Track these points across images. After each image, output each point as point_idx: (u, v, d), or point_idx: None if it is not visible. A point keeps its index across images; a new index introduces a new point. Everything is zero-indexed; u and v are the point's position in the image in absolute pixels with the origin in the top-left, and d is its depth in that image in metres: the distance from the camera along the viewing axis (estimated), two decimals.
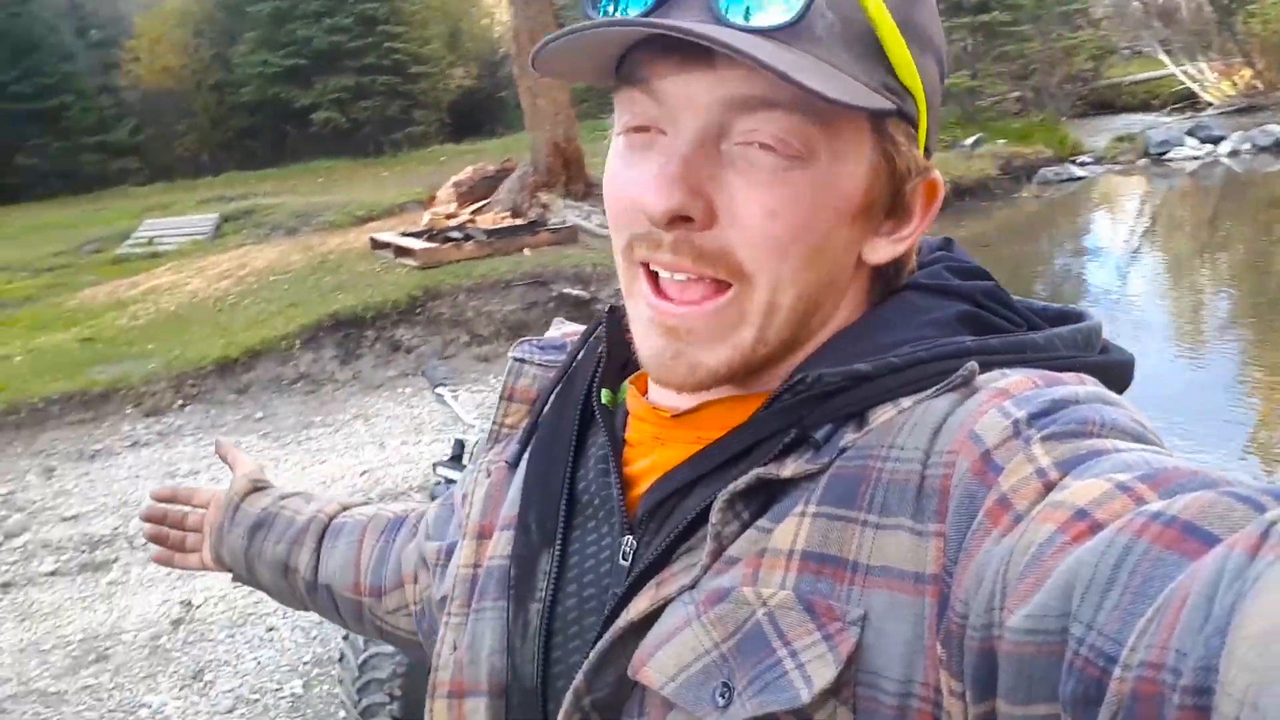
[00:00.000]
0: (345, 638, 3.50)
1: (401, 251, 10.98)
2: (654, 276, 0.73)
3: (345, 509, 1.25)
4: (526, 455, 0.89)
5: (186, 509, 1.34)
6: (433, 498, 3.94)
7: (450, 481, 3.88)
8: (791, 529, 0.66)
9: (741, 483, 0.68)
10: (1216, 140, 18.64)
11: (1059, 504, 0.54)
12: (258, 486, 1.29)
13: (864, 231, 0.74)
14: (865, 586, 0.63)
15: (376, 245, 11.63)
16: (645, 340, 0.75)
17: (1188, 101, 24.50)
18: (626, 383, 0.86)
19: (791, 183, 0.68)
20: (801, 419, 0.69)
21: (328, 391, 8.87)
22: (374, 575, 1.15)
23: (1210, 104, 23.59)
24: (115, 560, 5.87)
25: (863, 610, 0.62)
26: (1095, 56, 28.26)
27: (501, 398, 0.95)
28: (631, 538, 0.76)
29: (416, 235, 11.43)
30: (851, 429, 0.68)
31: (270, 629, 4.94)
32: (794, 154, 0.68)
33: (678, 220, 0.69)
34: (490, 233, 11.04)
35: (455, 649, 0.85)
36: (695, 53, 0.66)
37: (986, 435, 0.61)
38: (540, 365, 0.94)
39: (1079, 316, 0.78)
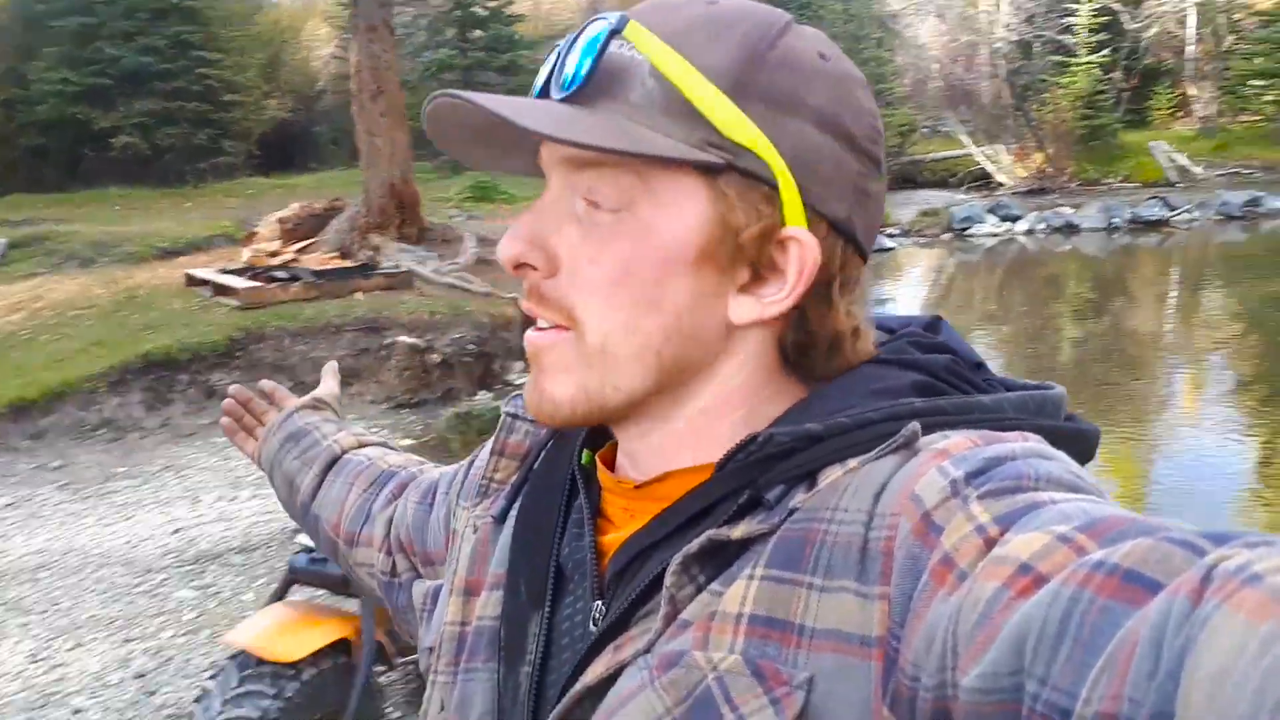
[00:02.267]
0: (213, 677, 3.32)
1: (221, 290, 10.36)
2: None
3: (361, 445, 1.34)
4: (514, 513, 0.90)
5: (266, 406, 1.45)
6: (291, 568, 3.69)
7: (311, 549, 3.62)
8: (740, 592, 0.67)
9: (695, 545, 0.69)
10: (1014, 219, 19.89)
11: (1002, 559, 0.54)
12: (317, 406, 1.41)
13: (716, 286, 0.75)
14: (811, 650, 0.64)
15: (193, 282, 10.92)
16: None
17: (983, 181, 26.11)
18: (594, 455, 0.88)
19: (615, 231, 0.73)
20: (754, 480, 0.71)
21: (134, 440, 8.23)
22: (350, 523, 1.23)
23: (1003, 184, 25.17)
24: None
25: (809, 673, 0.63)
26: (900, 133, 29.82)
27: (492, 453, 0.96)
28: (600, 603, 0.79)
29: (237, 273, 10.81)
30: (803, 490, 0.70)
31: (76, 711, 4.41)
32: (614, 206, 0.73)
33: (522, 268, 0.76)
34: (319, 274, 10.55)
35: (443, 709, 0.87)
36: None
37: (926, 496, 0.62)
38: (532, 422, 0.95)
39: (1039, 387, 0.79)
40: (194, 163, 25.31)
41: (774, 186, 0.73)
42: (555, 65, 0.75)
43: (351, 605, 3.70)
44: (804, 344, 0.79)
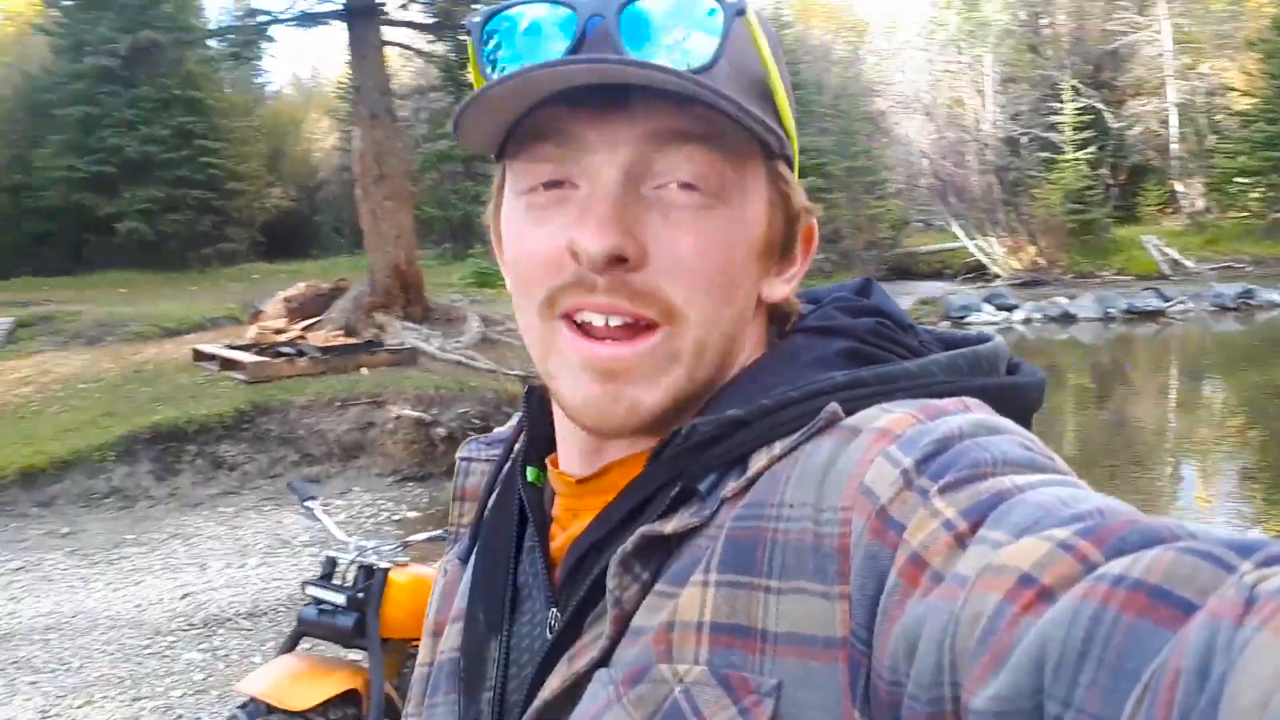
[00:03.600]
0: None
1: (228, 364, 10.44)
2: (576, 327, 0.72)
3: None
4: (476, 549, 0.88)
5: None
6: (300, 620, 3.72)
7: (320, 601, 3.62)
8: (697, 599, 0.65)
9: (630, 543, 0.68)
10: (1011, 308, 20.12)
11: (999, 569, 0.51)
12: None
13: (764, 270, 0.76)
14: (776, 655, 0.62)
15: (200, 357, 11.02)
16: (577, 389, 0.73)
17: (978, 272, 26.44)
18: (547, 461, 0.85)
19: (714, 221, 0.70)
20: (683, 471, 0.69)
21: (143, 508, 8.24)
22: None
23: (998, 276, 25.50)
24: None
25: (776, 680, 0.61)
26: (894, 226, 30.31)
27: (453, 499, 0.94)
28: (555, 610, 0.76)
29: (244, 348, 10.91)
30: (734, 476, 0.68)
31: None
32: (713, 192, 0.70)
33: (613, 262, 0.68)
34: (325, 349, 10.65)
35: None
36: (608, 101, 0.68)
37: (878, 489, 0.60)
38: (486, 460, 0.94)
39: (975, 341, 0.77)
40: (197, 248, 25.69)
41: (792, 170, 0.77)
42: (614, 17, 0.68)
43: (360, 657, 3.74)
44: (785, 315, 0.81)
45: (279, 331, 11.58)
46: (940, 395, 0.68)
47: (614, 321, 0.70)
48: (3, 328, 14.81)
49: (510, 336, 12.35)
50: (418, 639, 3.89)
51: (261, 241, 28.75)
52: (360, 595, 3.57)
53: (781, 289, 0.78)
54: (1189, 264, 25.54)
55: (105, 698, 5.08)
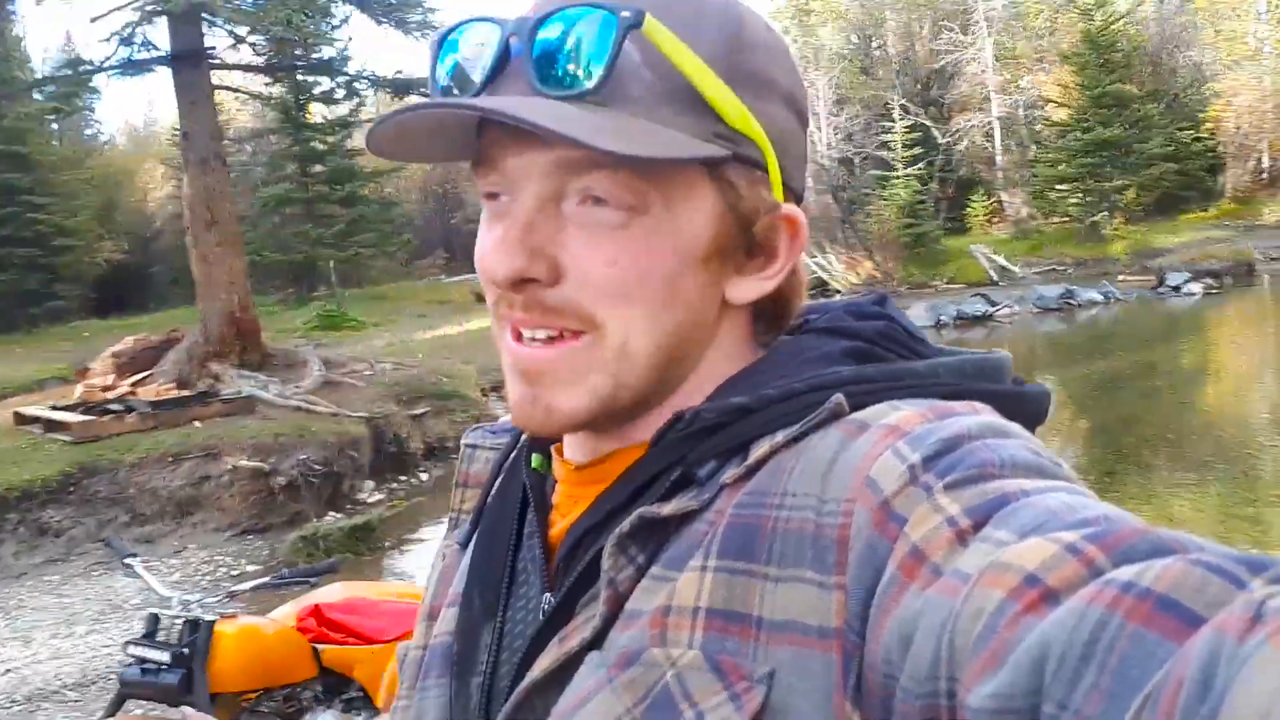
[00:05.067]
0: None
1: (52, 426, 10.01)
2: (515, 333, 0.75)
3: None
4: (477, 535, 0.88)
5: None
6: (123, 682, 3.61)
7: (144, 661, 3.54)
8: (694, 584, 0.65)
9: (627, 524, 0.68)
10: None
11: (1004, 567, 0.51)
12: None
13: (719, 274, 0.75)
14: (770, 643, 0.62)
15: (22, 420, 10.53)
16: (510, 388, 0.76)
17: (820, 288, 27.19)
18: (545, 456, 0.86)
19: (628, 231, 0.70)
20: (684, 457, 0.70)
21: None
22: None
23: (839, 291, 26.30)
24: None
25: (769, 667, 0.61)
26: None
27: (456, 485, 0.95)
28: (550, 594, 0.76)
29: (69, 408, 10.47)
30: (735, 464, 0.69)
31: None
32: (627, 206, 0.70)
33: (523, 282, 0.71)
34: (155, 404, 10.30)
35: None
36: (520, 130, 0.69)
37: (883, 482, 0.61)
38: (492, 448, 0.94)
39: (983, 352, 0.78)
40: (24, 308, 24.51)
41: (764, 170, 0.74)
42: (525, 44, 0.69)
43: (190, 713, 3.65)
44: (776, 314, 0.80)
45: (107, 388, 11.16)
46: (948, 397, 0.68)
47: (538, 334, 0.73)
48: None
49: (353, 378, 12.17)
50: (252, 691, 3.84)
51: (93, 298, 27.66)
52: (186, 651, 3.49)
53: (753, 288, 0.76)
54: (1016, 270, 26.84)
55: None
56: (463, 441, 0.97)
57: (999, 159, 34.23)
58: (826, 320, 0.80)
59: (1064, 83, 32.73)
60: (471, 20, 0.73)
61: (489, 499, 0.89)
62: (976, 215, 33.82)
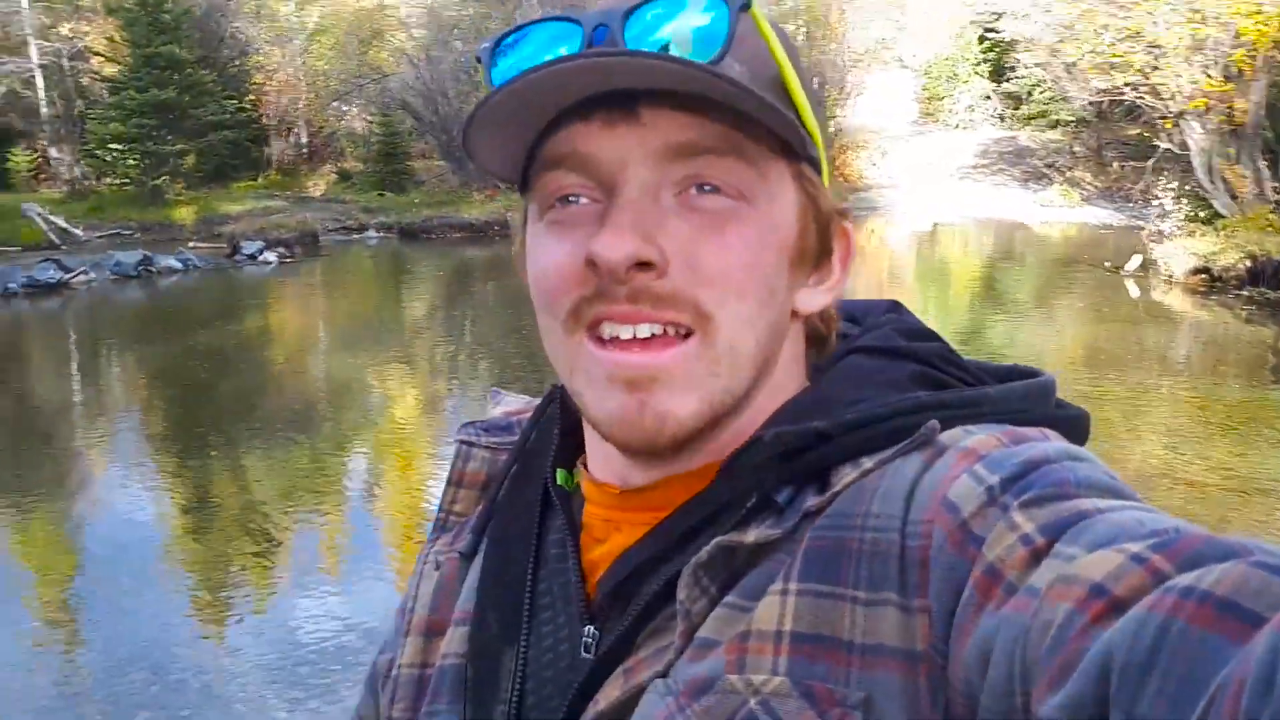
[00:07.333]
0: None
1: None
2: (602, 343, 0.70)
3: None
4: (483, 545, 0.84)
5: None
6: None
7: None
8: (775, 608, 0.63)
9: (705, 553, 0.66)
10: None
11: (1072, 579, 0.51)
12: None
13: (796, 279, 0.74)
14: (864, 667, 0.60)
15: None
16: (603, 401, 0.70)
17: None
18: (578, 464, 0.82)
19: (740, 221, 0.68)
20: (761, 482, 0.68)
21: None
22: None
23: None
24: None
25: (864, 693, 0.60)
26: None
27: (449, 483, 0.90)
28: (593, 627, 0.73)
29: None
30: (813, 491, 0.68)
31: None
32: (736, 194, 0.68)
33: (635, 269, 0.67)
34: None
35: None
36: (616, 111, 0.67)
37: (962, 503, 0.61)
38: (488, 448, 0.90)
39: (1031, 373, 0.78)
40: None
41: (820, 174, 0.74)
42: (623, 28, 0.65)
43: None
44: (823, 332, 0.78)
45: None
46: (1020, 423, 0.68)
47: (642, 333, 0.68)
48: None
49: None
50: None
51: None
52: None
53: (819, 300, 0.76)
54: (79, 233, 24.94)
55: None
56: (457, 439, 0.92)
57: (44, 111, 31.40)
58: (876, 339, 0.78)
59: (113, 37, 31.25)
60: (539, 21, 0.68)
61: (493, 506, 0.85)
62: (20, 170, 30.70)
